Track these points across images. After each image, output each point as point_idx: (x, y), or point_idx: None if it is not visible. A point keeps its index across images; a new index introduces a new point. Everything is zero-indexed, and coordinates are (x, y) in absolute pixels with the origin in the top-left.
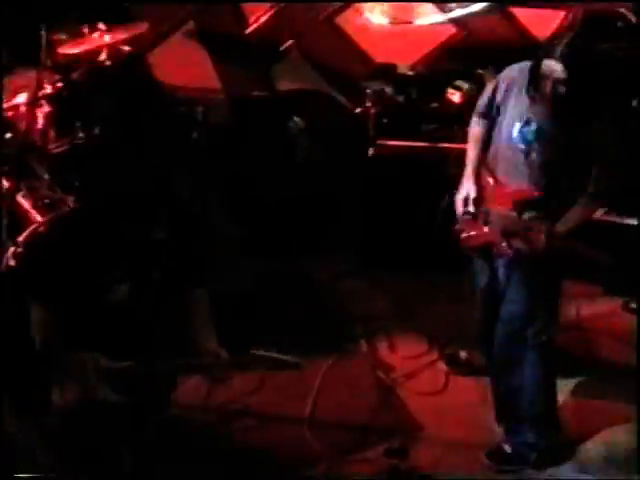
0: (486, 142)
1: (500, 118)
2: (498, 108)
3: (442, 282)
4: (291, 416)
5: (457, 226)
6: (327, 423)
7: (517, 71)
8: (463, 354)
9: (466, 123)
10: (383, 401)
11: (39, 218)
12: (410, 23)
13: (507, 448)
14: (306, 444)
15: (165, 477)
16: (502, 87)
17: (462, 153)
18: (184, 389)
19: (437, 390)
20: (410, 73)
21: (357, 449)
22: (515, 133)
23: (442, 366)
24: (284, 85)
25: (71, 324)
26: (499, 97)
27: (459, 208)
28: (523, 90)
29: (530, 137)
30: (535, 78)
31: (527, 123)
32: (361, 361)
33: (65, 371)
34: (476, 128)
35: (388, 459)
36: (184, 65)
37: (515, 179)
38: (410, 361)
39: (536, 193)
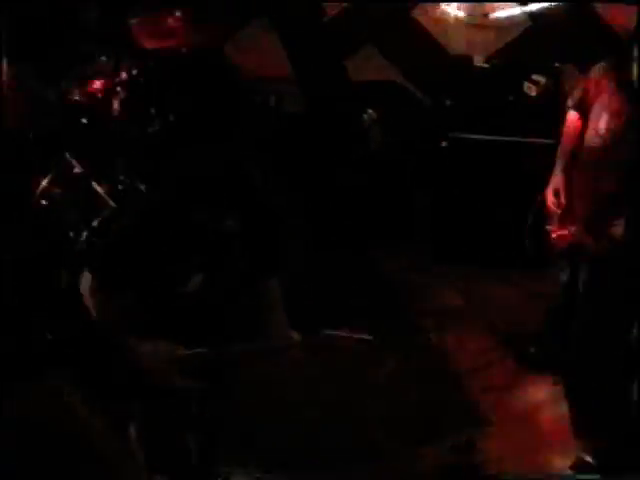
0: (580, 136)
1: (590, 115)
2: (589, 105)
3: (513, 277)
4: (358, 406)
5: (548, 226)
6: (394, 415)
7: (605, 67)
8: (533, 350)
9: (542, 117)
10: (451, 395)
11: (112, 204)
12: (487, 16)
13: (588, 458)
14: (372, 435)
15: (229, 464)
16: (592, 83)
17: (537, 147)
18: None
19: (506, 385)
20: (486, 66)
21: (423, 443)
22: (596, 130)
23: (512, 361)
24: (359, 76)
25: (143, 313)
26: (590, 93)
27: (549, 200)
28: (610, 84)
29: (608, 134)
30: (624, 62)
31: (608, 119)
32: (430, 354)
33: (137, 358)
34: (571, 119)
35: (454, 454)
36: (259, 54)
37: (597, 177)
38: (480, 356)
39: (611, 191)
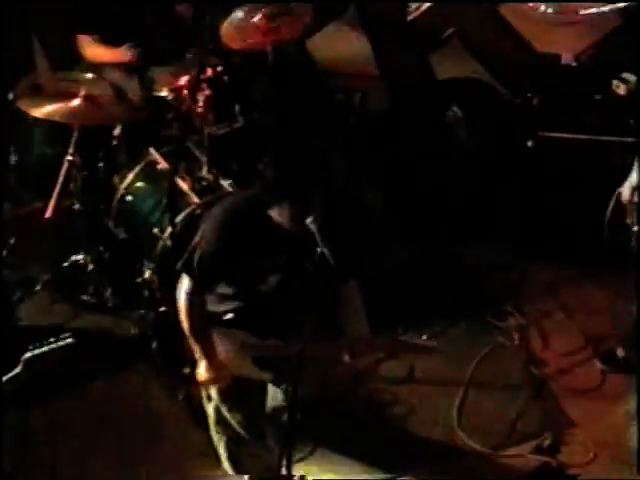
0: None
1: None
2: None
3: (600, 277)
4: (440, 407)
5: (627, 220)
6: (477, 416)
7: None
8: (620, 351)
9: (630, 116)
10: (535, 396)
11: (196, 200)
12: (576, 12)
13: None
14: (454, 436)
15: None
16: None
17: (625, 146)
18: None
19: (592, 387)
20: (574, 64)
21: (507, 444)
22: None
23: (597, 363)
24: (444, 73)
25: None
26: None
27: (625, 195)
28: None
29: None
30: None
31: None
32: (514, 355)
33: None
34: None
35: (538, 456)
36: (344, 51)
37: None
38: (565, 356)
39: None
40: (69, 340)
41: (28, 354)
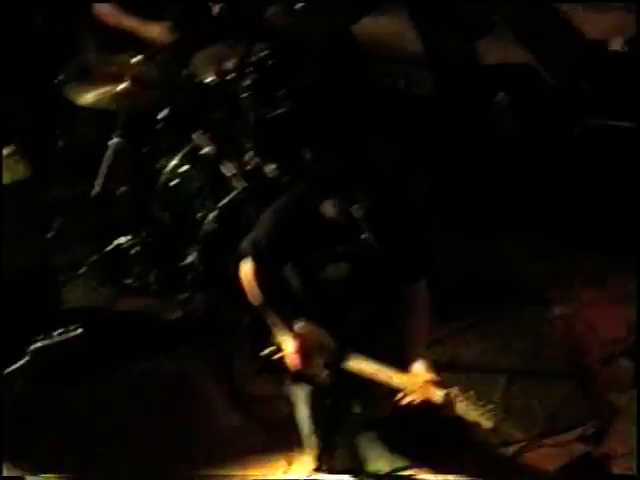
0: None
1: None
2: None
3: None
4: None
5: None
6: (521, 404)
7: None
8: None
9: None
10: (579, 385)
11: (240, 184)
12: None
13: None
14: (497, 424)
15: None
16: None
17: None
18: None
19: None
20: (622, 50)
21: (550, 432)
22: None
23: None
24: (490, 59)
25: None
26: None
27: None
28: None
29: None
30: None
31: None
32: (558, 343)
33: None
34: None
35: (581, 445)
36: (390, 36)
37: None
38: (610, 345)
39: None
40: (77, 332)
41: (35, 345)
